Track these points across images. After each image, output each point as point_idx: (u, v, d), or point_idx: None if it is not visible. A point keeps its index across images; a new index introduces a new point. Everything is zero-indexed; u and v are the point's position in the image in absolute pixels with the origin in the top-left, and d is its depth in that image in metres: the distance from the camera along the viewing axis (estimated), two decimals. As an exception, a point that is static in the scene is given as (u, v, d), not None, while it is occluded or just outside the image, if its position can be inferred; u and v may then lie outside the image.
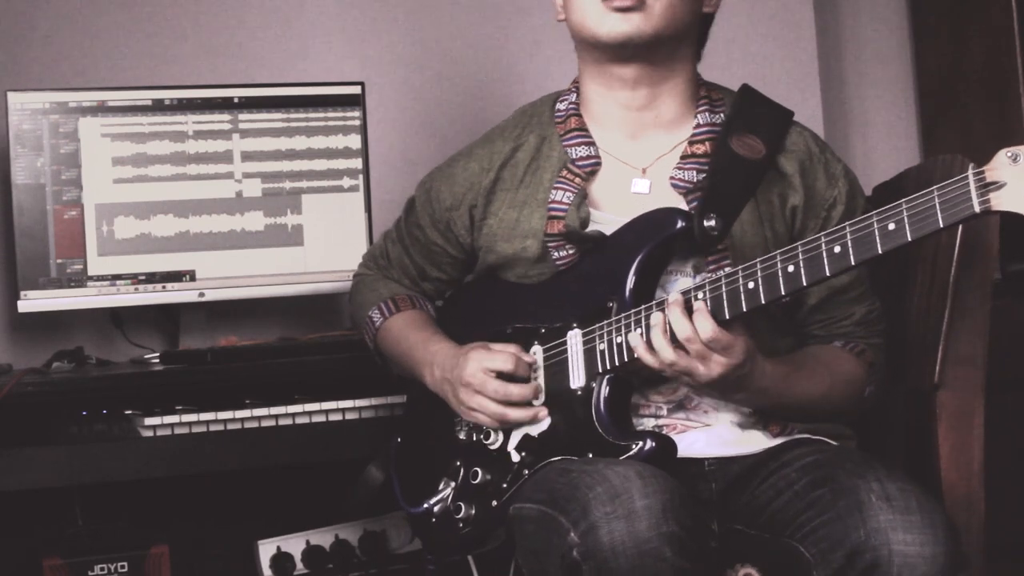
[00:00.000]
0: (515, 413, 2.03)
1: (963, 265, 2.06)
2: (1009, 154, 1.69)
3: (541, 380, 2.05)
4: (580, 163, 2.12)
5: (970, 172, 1.70)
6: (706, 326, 1.86)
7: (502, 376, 2.04)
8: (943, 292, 2.07)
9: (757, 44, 3.32)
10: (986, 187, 1.69)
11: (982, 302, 2.08)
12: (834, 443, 2.05)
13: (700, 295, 1.89)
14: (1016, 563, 2.80)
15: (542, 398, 2.04)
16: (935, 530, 1.78)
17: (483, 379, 2.04)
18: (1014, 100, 3.16)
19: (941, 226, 1.73)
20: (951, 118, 3.39)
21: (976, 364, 2.08)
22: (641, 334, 1.92)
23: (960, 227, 2.05)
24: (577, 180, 2.11)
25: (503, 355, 2.04)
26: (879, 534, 1.78)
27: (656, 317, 1.91)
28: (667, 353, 1.89)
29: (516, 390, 2.03)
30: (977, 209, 1.70)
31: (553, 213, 2.10)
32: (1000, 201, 1.69)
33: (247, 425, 2.45)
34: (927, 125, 3.48)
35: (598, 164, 2.12)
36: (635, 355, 1.93)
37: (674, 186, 2.07)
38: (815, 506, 1.87)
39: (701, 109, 2.12)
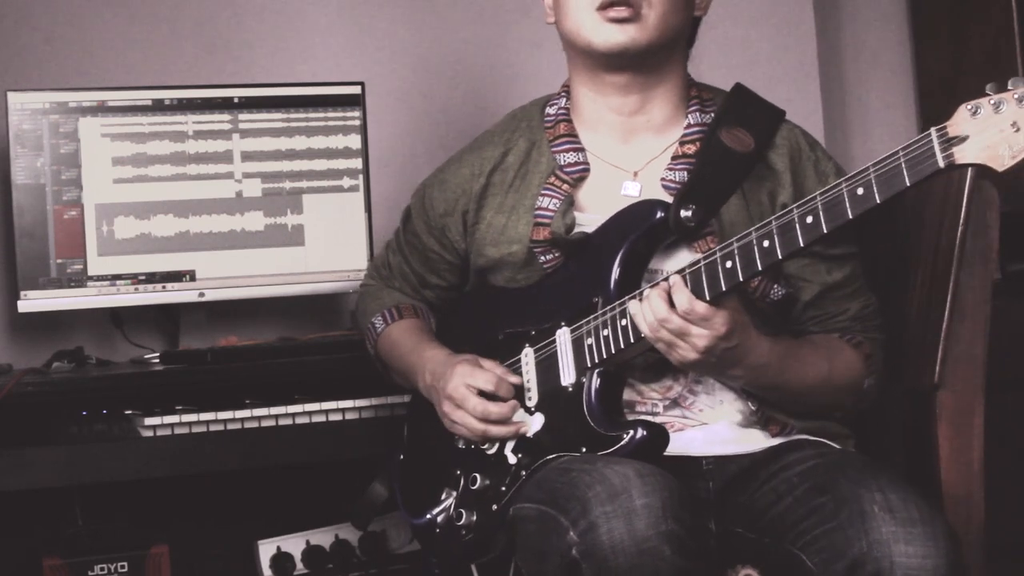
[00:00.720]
0: (496, 430, 2.04)
1: (963, 265, 2.06)
2: (970, 107, 1.71)
3: (534, 380, 2.05)
4: (568, 169, 2.12)
5: (932, 129, 1.72)
6: (680, 298, 1.87)
7: (483, 394, 2.05)
8: (943, 292, 2.07)
9: (757, 44, 3.32)
10: (948, 142, 1.71)
11: (982, 302, 2.08)
12: (834, 445, 2.05)
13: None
14: (1016, 563, 2.80)
15: (535, 398, 2.04)
16: (937, 542, 1.77)
17: (464, 395, 2.05)
18: (1014, 100, 3.16)
19: (908, 184, 1.74)
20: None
21: (976, 364, 2.08)
22: (638, 299, 1.93)
23: (960, 227, 2.05)
24: (564, 187, 2.11)
25: (487, 375, 2.05)
26: (881, 546, 1.77)
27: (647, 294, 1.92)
28: (652, 316, 1.89)
29: (495, 409, 2.04)
30: (941, 164, 1.72)
31: (539, 220, 2.11)
32: (964, 154, 1.71)
33: (247, 425, 2.45)
34: (927, 125, 3.45)
35: (586, 170, 2.12)
36: (625, 342, 1.93)
37: (665, 188, 2.07)
38: (817, 513, 1.86)
39: (692, 109, 2.13)
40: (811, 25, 3.36)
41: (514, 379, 2.06)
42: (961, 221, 2.06)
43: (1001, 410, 2.25)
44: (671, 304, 1.88)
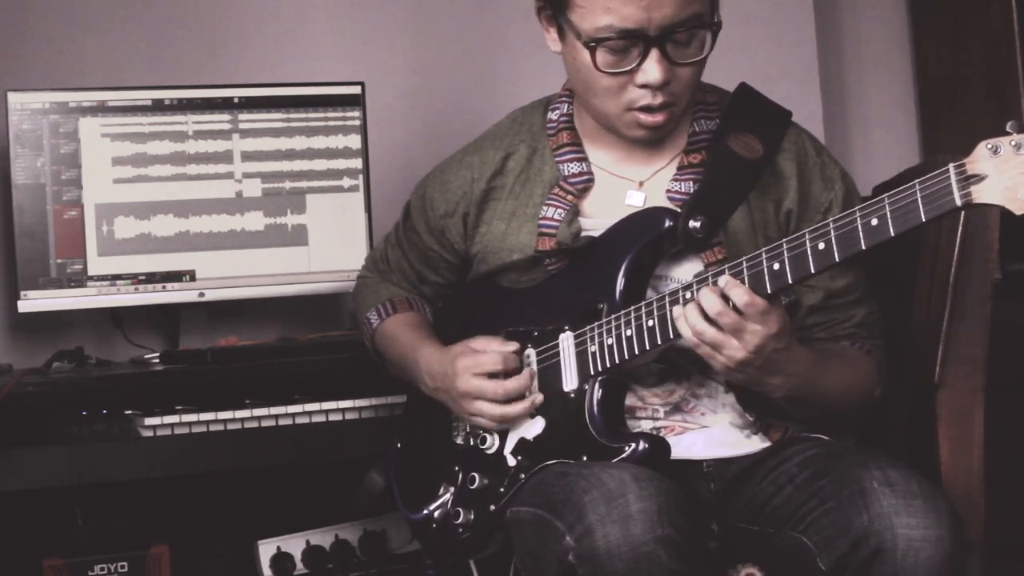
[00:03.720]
0: (514, 409, 2.02)
1: (963, 265, 2.06)
2: (989, 146, 1.68)
3: (536, 382, 2.04)
4: (572, 180, 2.10)
5: (951, 166, 1.69)
6: (739, 293, 1.82)
7: (495, 375, 2.03)
8: (943, 292, 2.07)
9: (757, 44, 3.32)
10: (967, 180, 1.68)
11: (982, 302, 2.08)
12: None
13: (688, 295, 1.88)
14: (1016, 563, 2.80)
15: (536, 390, 2.04)
16: (938, 514, 1.78)
17: (479, 385, 2.03)
18: (1014, 100, 3.16)
19: (924, 220, 1.72)
20: (951, 118, 3.39)
21: (976, 364, 2.08)
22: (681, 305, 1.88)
23: (960, 228, 2.05)
24: (569, 197, 2.09)
25: (488, 356, 2.04)
26: (883, 519, 1.77)
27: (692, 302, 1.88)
28: (698, 316, 1.84)
29: (513, 384, 2.03)
30: (959, 203, 1.69)
31: (543, 230, 2.09)
32: (981, 194, 1.68)
33: (247, 425, 2.45)
34: (927, 125, 3.48)
35: (591, 181, 2.10)
36: (630, 353, 1.93)
37: (671, 199, 2.05)
38: (817, 496, 1.87)
39: (696, 116, 2.10)
40: (811, 25, 3.36)
41: (511, 347, 2.05)
42: (961, 221, 2.05)
43: (1001, 410, 2.26)
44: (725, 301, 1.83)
